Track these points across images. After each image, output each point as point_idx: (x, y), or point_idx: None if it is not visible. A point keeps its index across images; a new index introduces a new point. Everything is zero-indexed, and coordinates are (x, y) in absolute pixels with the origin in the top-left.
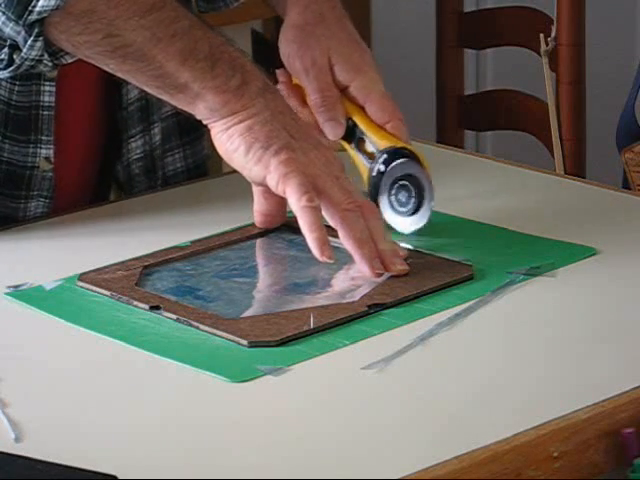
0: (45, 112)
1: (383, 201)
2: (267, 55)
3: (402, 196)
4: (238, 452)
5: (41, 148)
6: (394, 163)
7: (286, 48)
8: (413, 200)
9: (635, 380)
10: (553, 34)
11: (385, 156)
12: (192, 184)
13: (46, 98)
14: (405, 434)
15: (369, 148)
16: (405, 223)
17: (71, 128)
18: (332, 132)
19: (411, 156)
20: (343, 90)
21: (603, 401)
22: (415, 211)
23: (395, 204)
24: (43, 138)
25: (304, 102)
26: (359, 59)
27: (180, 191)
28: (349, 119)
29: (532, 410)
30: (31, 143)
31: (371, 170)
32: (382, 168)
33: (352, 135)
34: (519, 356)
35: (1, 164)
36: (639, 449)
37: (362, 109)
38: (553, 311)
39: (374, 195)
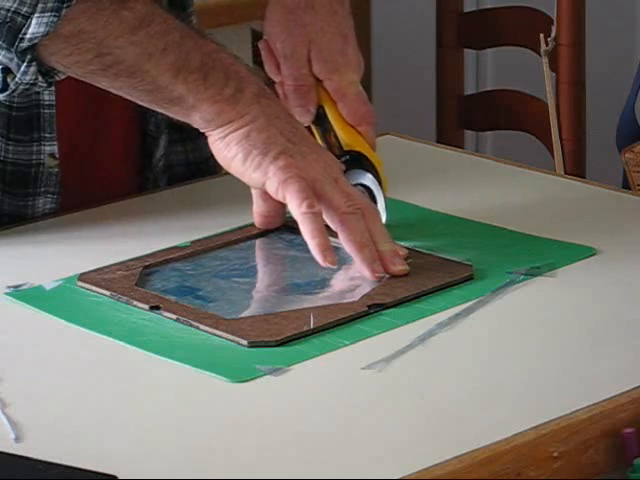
0: (46, 110)
1: None
2: None
3: None
4: (238, 452)
5: (45, 145)
6: (353, 170)
7: (269, 26)
8: None
9: (635, 380)
10: (553, 34)
11: (347, 157)
12: (192, 184)
13: (46, 97)
14: (405, 434)
15: (334, 142)
16: None
17: (73, 123)
18: (300, 118)
19: (371, 168)
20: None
21: (603, 401)
22: None
23: None
24: (46, 135)
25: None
26: (339, 56)
27: (180, 191)
28: (320, 107)
29: (532, 410)
30: (35, 141)
31: None
32: (343, 167)
33: (321, 122)
34: (519, 356)
35: (7, 165)
36: (639, 449)
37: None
38: (553, 311)
39: None
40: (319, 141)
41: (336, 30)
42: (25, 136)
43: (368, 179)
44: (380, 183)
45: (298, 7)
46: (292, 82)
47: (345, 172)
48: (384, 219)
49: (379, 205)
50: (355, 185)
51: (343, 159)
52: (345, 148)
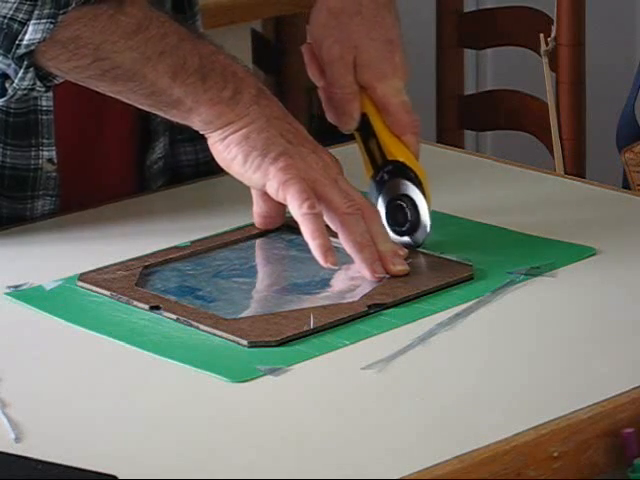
0: (44, 116)
1: (380, 212)
2: (267, 55)
3: (398, 215)
4: (238, 452)
5: (43, 150)
6: (396, 180)
7: (315, 30)
8: (407, 224)
9: (635, 380)
10: (553, 34)
11: (391, 167)
12: (192, 184)
13: (44, 102)
14: (405, 434)
15: (376, 150)
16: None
17: (70, 128)
18: (343, 125)
19: (414, 179)
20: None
21: (603, 401)
22: (407, 234)
23: (390, 220)
24: (44, 141)
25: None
26: (385, 64)
27: (180, 191)
28: (364, 114)
29: (532, 410)
30: (33, 147)
31: (375, 173)
32: (386, 177)
33: (364, 129)
34: (519, 356)
35: (4, 169)
36: (639, 449)
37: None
38: (553, 311)
39: (373, 197)
40: (361, 149)
41: (383, 37)
42: (23, 141)
43: (412, 190)
44: (424, 194)
45: (344, 12)
46: (336, 89)
47: (388, 182)
48: (427, 231)
49: (422, 217)
50: (398, 196)
51: (386, 169)
52: (388, 157)
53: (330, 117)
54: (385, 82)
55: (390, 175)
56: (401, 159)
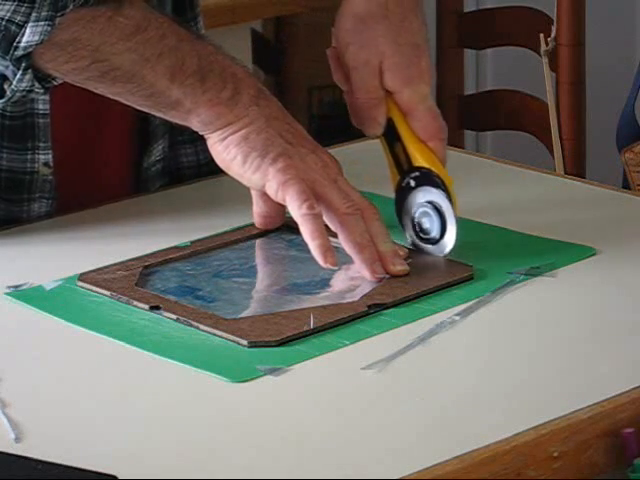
0: (41, 120)
1: (406, 220)
2: (267, 55)
3: (425, 222)
4: (238, 452)
5: (39, 154)
6: (423, 187)
7: (341, 35)
8: (434, 233)
9: (635, 380)
10: (553, 34)
11: (417, 174)
12: (191, 184)
13: (40, 106)
14: (405, 434)
15: (402, 155)
16: (421, 247)
17: (68, 130)
18: (369, 130)
19: (441, 186)
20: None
21: (603, 401)
22: (432, 242)
23: (417, 228)
24: (40, 145)
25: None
26: (412, 69)
27: (180, 191)
28: (390, 119)
29: (532, 410)
30: (29, 150)
31: (401, 179)
32: (412, 183)
33: (390, 134)
34: (519, 356)
35: (1, 172)
36: (639, 449)
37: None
38: (553, 311)
39: (399, 203)
40: (386, 154)
41: (409, 41)
42: (19, 145)
43: (439, 197)
44: (451, 201)
45: (371, 17)
46: (362, 94)
47: (415, 189)
48: (454, 239)
49: (449, 224)
50: (425, 203)
51: (413, 175)
52: (415, 164)
53: (355, 122)
54: (411, 87)
55: (416, 181)
56: (427, 165)
